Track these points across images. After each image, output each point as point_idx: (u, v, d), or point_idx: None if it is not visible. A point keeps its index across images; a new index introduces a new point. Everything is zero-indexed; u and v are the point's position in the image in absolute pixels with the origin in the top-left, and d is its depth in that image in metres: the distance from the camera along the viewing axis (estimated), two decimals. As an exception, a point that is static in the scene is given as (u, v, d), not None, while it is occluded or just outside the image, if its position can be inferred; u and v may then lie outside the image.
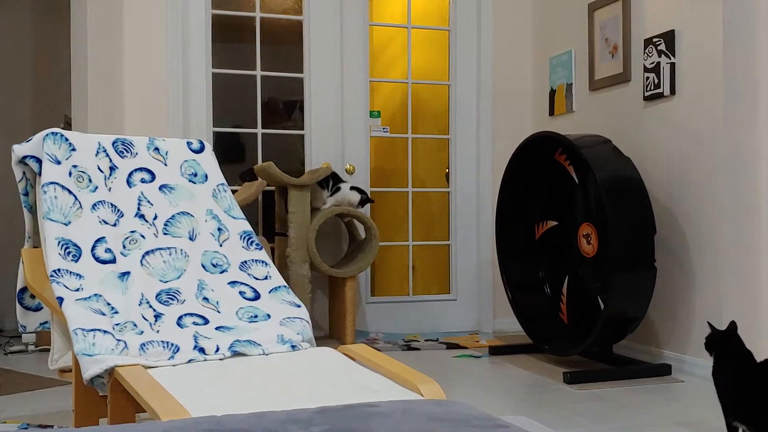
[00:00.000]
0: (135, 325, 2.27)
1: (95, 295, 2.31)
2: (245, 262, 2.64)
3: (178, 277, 2.49)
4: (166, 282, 2.47)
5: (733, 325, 2.47)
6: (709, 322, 2.54)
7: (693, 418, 2.88)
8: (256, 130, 4.69)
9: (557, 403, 3.12)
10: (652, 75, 3.87)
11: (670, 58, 3.75)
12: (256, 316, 2.46)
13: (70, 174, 2.53)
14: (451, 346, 4.45)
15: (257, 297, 2.54)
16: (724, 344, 2.44)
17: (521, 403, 3.13)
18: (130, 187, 2.63)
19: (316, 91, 4.72)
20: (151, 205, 2.63)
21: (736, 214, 3.46)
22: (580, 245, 3.93)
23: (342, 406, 1.25)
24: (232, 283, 2.56)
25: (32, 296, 2.63)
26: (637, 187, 3.60)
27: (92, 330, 2.16)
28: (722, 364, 2.43)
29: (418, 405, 1.26)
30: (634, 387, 3.40)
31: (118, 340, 2.17)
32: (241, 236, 2.70)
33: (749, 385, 2.32)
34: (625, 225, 3.48)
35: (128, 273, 2.43)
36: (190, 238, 2.61)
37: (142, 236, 2.54)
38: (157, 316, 2.34)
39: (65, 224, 2.43)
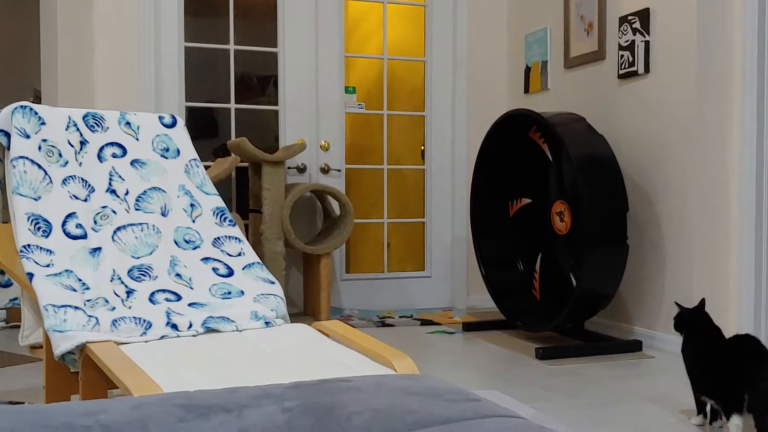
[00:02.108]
0: (107, 302, 2.25)
1: (66, 270, 2.29)
2: (218, 238, 2.63)
3: (150, 253, 2.47)
4: (138, 258, 2.45)
5: (702, 303, 2.50)
6: (676, 302, 2.57)
7: (662, 393, 2.92)
8: (229, 105, 4.64)
9: (529, 378, 3.16)
10: (626, 53, 3.88)
11: (645, 37, 3.76)
12: (229, 293, 2.45)
13: (39, 148, 2.49)
14: (425, 322, 4.47)
15: (231, 273, 2.53)
16: (693, 321, 2.48)
17: (494, 378, 3.16)
18: (101, 161, 2.60)
19: (290, 66, 4.68)
20: (123, 180, 2.60)
21: (707, 192, 3.50)
22: (553, 222, 3.95)
23: (315, 381, 1.25)
24: (205, 259, 2.54)
25: (2, 272, 2.60)
26: (611, 164, 3.62)
27: (63, 306, 2.14)
28: (691, 341, 2.47)
29: (392, 380, 1.26)
30: (605, 363, 3.44)
31: (90, 316, 2.15)
32: (213, 212, 2.69)
33: (717, 360, 2.35)
34: (598, 203, 3.50)
35: (99, 249, 2.40)
36: (162, 214, 2.59)
37: (114, 212, 2.51)
38: (129, 292, 2.32)
39: (35, 199, 2.40)
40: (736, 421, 2.25)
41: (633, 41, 3.83)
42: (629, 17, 3.86)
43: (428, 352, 3.68)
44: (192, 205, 2.66)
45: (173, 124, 2.82)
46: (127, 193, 2.58)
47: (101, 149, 2.62)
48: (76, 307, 2.16)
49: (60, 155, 2.53)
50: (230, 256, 2.59)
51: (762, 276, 3.42)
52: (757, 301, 3.42)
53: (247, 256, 2.62)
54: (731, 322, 3.50)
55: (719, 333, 2.44)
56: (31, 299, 2.44)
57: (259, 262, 2.61)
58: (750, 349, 2.29)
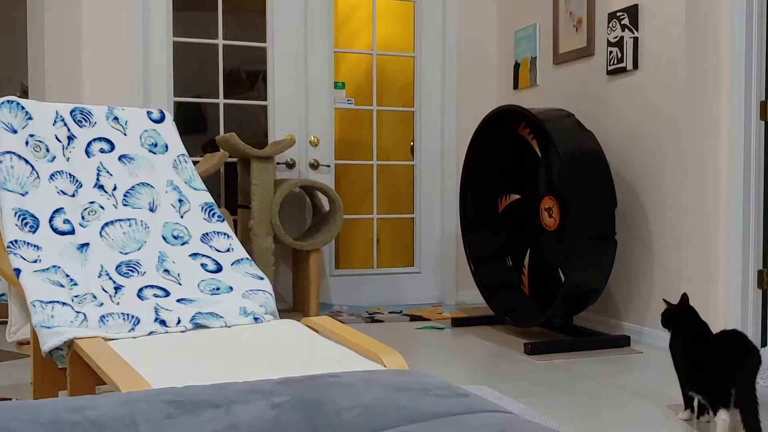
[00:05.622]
0: (94, 297, 2.24)
1: (54, 266, 2.27)
2: (207, 234, 2.62)
3: (139, 249, 2.46)
4: (126, 254, 2.43)
5: (685, 298, 2.52)
6: (664, 299, 2.59)
7: (650, 388, 2.94)
8: (218, 100, 4.63)
9: (518, 374, 3.16)
10: (615, 49, 3.89)
11: (634, 33, 3.77)
12: (218, 289, 2.44)
13: (26, 143, 2.47)
14: (414, 318, 4.48)
15: (219, 269, 2.52)
16: (681, 317, 2.49)
17: (482, 374, 3.17)
18: (88, 157, 2.59)
19: (279, 61, 4.67)
20: (111, 175, 2.58)
21: (695, 188, 3.52)
22: (541, 218, 3.96)
23: (304, 376, 1.25)
24: (194, 255, 2.53)
25: (-12, 268, 2.58)
26: (599, 161, 3.63)
27: (51, 302, 2.13)
28: (679, 336, 2.49)
29: (381, 375, 1.26)
30: (594, 358, 3.46)
31: (78, 312, 2.14)
32: (202, 208, 2.68)
33: (704, 356, 2.37)
34: (587, 198, 3.51)
35: (87, 244, 2.39)
36: (151, 210, 2.57)
37: (102, 207, 2.50)
38: (117, 288, 2.31)
39: (22, 194, 2.38)
40: (723, 415, 2.26)
41: (622, 37, 3.84)
42: (618, 13, 3.87)
43: (417, 348, 3.68)
44: (180, 201, 2.65)
45: (161, 119, 2.81)
46: (115, 189, 2.56)
47: (89, 144, 2.61)
48: (64, 303, 2.15)
49: (47, 150, 2.51)
50: (219, 251, 2.59)
51: (749, 271, 3.44)
52: (745, 297, 3.44)
53: (236, 252, 2.61)
54: (719, 318, 3.52)
55: (706, 328, 2.45)
56: (19, 295, 2.42)
57: (247, 258, 2.60)
58: (737, 344, 2.31)
